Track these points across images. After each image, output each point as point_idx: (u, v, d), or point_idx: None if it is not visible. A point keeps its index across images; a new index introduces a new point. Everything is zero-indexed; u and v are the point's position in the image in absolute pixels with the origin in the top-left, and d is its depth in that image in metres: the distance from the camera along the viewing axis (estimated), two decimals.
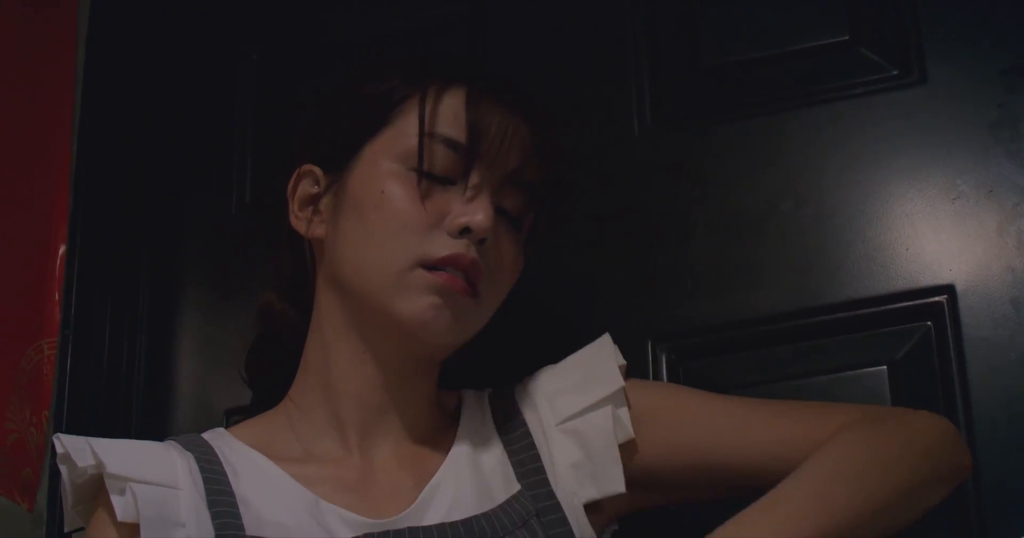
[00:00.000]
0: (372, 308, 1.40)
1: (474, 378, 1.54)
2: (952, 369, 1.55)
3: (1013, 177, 1.59)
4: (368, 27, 1.93)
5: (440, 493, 1.39)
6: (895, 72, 1.68)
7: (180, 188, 1.98)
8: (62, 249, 1.94)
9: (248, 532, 1.33)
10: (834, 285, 1.62)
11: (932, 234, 1.60)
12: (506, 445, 1.44)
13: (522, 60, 1.83)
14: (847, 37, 1.71)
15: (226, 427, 1.51)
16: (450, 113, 1.42)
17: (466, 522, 1.35)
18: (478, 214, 1.38)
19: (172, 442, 1.43)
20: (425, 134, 1.41)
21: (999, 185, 1.59)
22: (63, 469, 1.38)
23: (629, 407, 1.42)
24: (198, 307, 1.91)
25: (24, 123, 2.01)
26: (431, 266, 1.37)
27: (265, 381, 1.58)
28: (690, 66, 1.77)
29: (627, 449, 1.40)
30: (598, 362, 1.46)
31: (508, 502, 1.38)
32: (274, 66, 1.98)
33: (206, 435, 1.46)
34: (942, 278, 1.59)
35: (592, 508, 1.40)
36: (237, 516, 1.34)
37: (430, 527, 1.34)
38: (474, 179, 1.41)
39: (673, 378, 1.65)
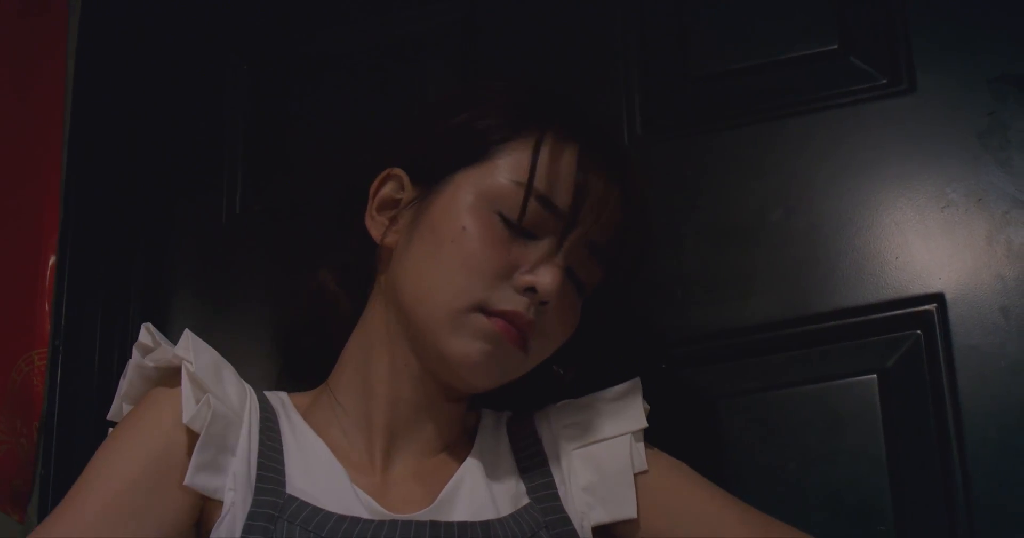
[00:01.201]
0: (422, 337, 1.41)
1: (494, 400, 1.55)
2: (942, 377, 1.55)
3: (1002, 185, 1.59)
4: (358, 38, 1.94)
5: (458, 496, 1.40)
6: (884, 81, 1.68)
7: (170, 198, 1.97)
8: (52, 259, 1.93)
9: (288, 490, 1.34)
10: (824, 294, 1.62)
11: (922, 243, 1.61)
12: (519, 463, 1.47)
13: (513, 69, 1.83)
14: (837, 46, 1.71)
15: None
16: (556, 172, 1.40)
17: (484, 524, 1.37)
18: (547, 278, 1.38)
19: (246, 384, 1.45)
20: (514, 179, 1.40)
21: (988, 194, 1.60)
22: (136, 354, 1.40)
23: (646, 472, 1.44)
24: (188, 317, 1.91)
25: (14, 132, 2.00)
26: (488, 313, 1.38)
27: (299, 360, 1.60)
28: (680, 75, 1.77)
29: (639, 486, 1.43)
30: (625, 401, 1.49)
31: (518, 512, 1.40)
32: (264, 76, 1.98)
33: (269, 394, 1.47)
34: (932, 287, 1.59)
35: (601, 532, 1.42)
36: (281, 472, 1.36)
37: (451, 523, 1.36)
38: (552, 234, 1.40)
39: (664, 387, 1.64)
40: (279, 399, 1.48)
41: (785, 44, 1.73)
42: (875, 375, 1.59)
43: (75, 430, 1.86)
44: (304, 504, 1.34)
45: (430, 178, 1.44)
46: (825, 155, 1.67)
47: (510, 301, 1.38)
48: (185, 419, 1.33)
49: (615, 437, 1.46)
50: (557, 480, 1.45)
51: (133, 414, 1.39)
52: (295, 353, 1.61)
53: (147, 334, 1.41)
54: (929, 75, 1.66)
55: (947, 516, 1.51)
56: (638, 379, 1.50)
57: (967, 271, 1.58)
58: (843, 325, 1.61)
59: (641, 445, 1.46)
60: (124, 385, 1.42)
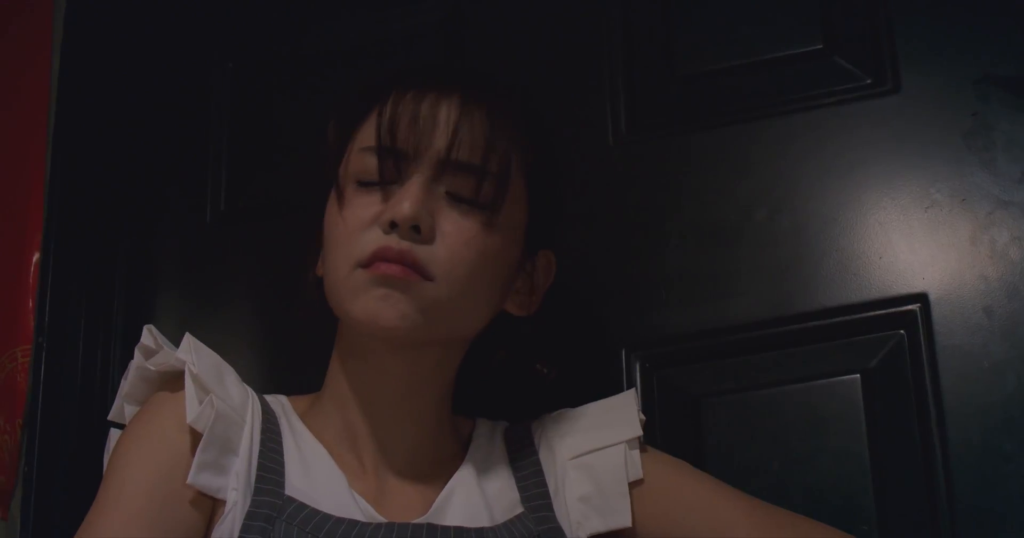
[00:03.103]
0: (341, 319, 1.43)
1: (490, 408, 1.56)
2: (925, 377, 1.55)
3: (986, 186, 1.59)
4: (344, 36, 1.93)
5: (451, 503, 1.41)
6: (869, 81, 1.68)
7: (155, 197, 1.97)
8: (36, 257, 1.93)
9: (287, 492, 1.35)
10: (808, 293, 1.62)
11: (905, 243, 1.61)
12: (515, 472, 1.47)
13: (498, 67, 1.82)
14: (821, 46, 1.71)
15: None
16: (370, 123, 1.43)
17: (479, 530, 1.37)
18: (399, 205, 1.37)
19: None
20: (350, 152, 1.44)
21: (972, 194, 1.60)
22: (138, 356, 1.41)
23: (643, 481, 1.45)
24: (172, 315, 1.91)
25: None
26: (365, 264, 1.37)
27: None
28: (665, 75, 1.77)
29: (636, 495, 1.44)
30: (619, 411, 1.50)
31: (511, 521, 1.41)
32: (250, 76, 1.98)
33: (268, 398, 1.48)
34: (915, 287, 1.59)
35: None
36: (280, 474, 1.37)
37: (448, 528, 1.36)
38: (409, 172, 1.40)
39: (647, 387, 1.65)
40: (279, 402, 1.48)
41: (770, 44, 1.73)
42: (858, 375, 1.59)
43: (59, 427, 1.86)
44: (302, 505, 1.34)
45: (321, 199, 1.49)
46: (809, 155, 1.67)
47: (375, 241, 1.37)
48: (189, 419, 1.34)
49: (609, 446, 1.46)
50: (551, 490, 1.45)
51: (138, 421, 1.40)
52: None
53: (149, 336, 1.42)
54: (913, 76, 1.66)
55: (930, 516, 1.51)
56: (633, 390, 1.52)
57: (951, 271, 1.58)
58: (826, 325, 1.61)
59: (636, 453, 1.46)
60: (125, 386, 1.43)
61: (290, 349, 1.80)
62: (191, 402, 1.35)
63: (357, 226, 1.39)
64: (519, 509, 1.43)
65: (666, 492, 1.45)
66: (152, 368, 1.41)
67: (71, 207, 1.95)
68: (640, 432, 1.47)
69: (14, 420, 1.88)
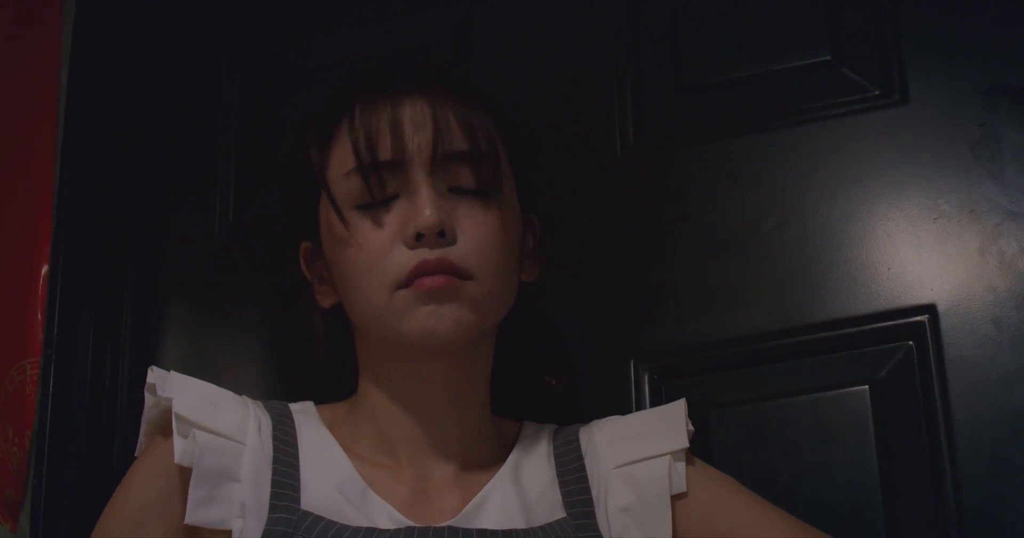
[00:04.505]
0: (387, 344, 1.43)
1: (537, 411, 1.57)
2: (934, 389, 1.55)
3: (995, 197, 1.59)
4: (352, 46, 1.93)
5: (486, 505, 1.41)
6: (877, 92, 1.68)
7: (163, 207, 1.97)
8: (45, 268, 1.93)
9: (303, 505, 1.35)
10: (816, 304, 1.62)
11: (914, 254, 1.61)
12: (559, 477, 1.46)
13: (506, 79, 1.83)
14: (829, 57, 1.71)
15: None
16: (342, 145, 1.43)
17: (507, 532, 1.37)
18: (419, 215, 1.38)
19: (258, 402, 1.47)
20: (332, 179, 1.43)
21: (980, 205, 1.60)
22: (147, 398, 1.41)
23: (686, 494, 1.43)
24: (181, 326, 1.91)
25: (6, 142, 2.01)
26: (405, 284, 1.38)
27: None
28: (673, 86, 1.77)
29: (678, 508, 1.43)
30: (668, 420, 1.48)
31: (550, 525, 1.40)
32: (258, 86, 1.98)
33: (294, 406, 1.49)
34: (924, 298, 1.59)
35: None
36: (296, 489, 1.37)
37: (470, 530, 1.36)
38: (406, 180, 1.41)
39: (655, 398, 1.64)
40: (304, 410, 1.49)
41: (777, 55, 1.73)
42: (867, 386, 1.59)
43: (68, 440, 1.86)
44: (319, 518, 1.35)
45: (311, 229, 1.49)
46: (817, 166, 1.67)
47: (408, 260, 1.38)
48: (176, 459, 1.35)
49: (654, 457, 1.45)
50: (595, 497, 1.44)
51: (133, 465, 1.43)
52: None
53: (151, 375, 1.42)
54: (921, 86, 1.66)
55: (939, 527, 1.51)
56: (683, 400, 1.50)
57: (959, 282, 1.58)
58: (835, 336, 1.61)
59: (682, 466, 1.44)
60: (143, 424, 1.44)
61: (299, 359, 1.80)
62: (178, 441, 1.37)
63: (379, 249, 1.39)
64: (561, 514, 1.42)
65: (710, 508, 1.44)
66: (154, 411, 1.42)
67: (79, 219, 1.95)
68: (687, 444, 1.45)
69: (23, 432, 1.88)
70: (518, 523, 1.39)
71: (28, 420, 1.88)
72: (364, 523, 1.35)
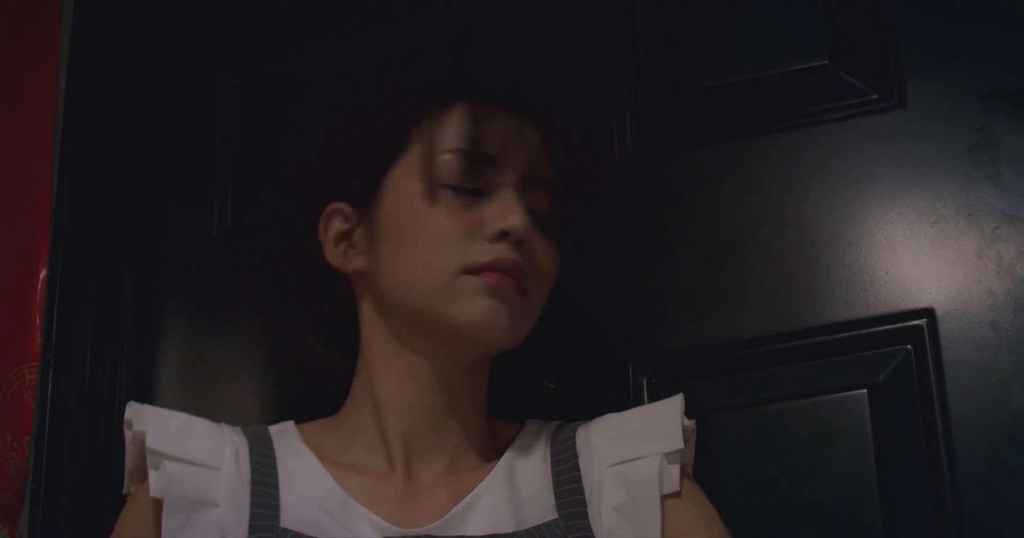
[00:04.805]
0: (426, 323, 1.43)
1: (540, 409, 1.57)
2: (932, 393, 1.55)
3: (993, 201, 1.59)
4: (349, 53, 1.94)
5: (476, 507, 1.41)
6: (875, 96, 1.68)
7: (162, 212, 1.97)
8: (43, 273, 1.93)
9: (282, 524, 1.36)
10: (814, 309, 1.62)
11: (912, 258, 1.61)
12: (553, 477, 1.46)
13: (504, 84, 1.83)
14: (827, 61, 1.71)
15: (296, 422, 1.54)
16: (457, 127, 1.45)
17: (491, 537, 1.37)
18: (512, 216, 1.41)
19: (236, 428, 1.48)
20: (437, 151, 1.44)
21: (979, 209, 1.60)
22: (126, 433, 1.43)
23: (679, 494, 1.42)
24: (179, 331, 1.91)
25: (4, 146, 2.01)
26: (476, 271, 1.40)
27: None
28: (671, 90, 1.77)
29: (668, 507, 1.41)
30: (663, 419, 1.47)
31: (539, 527, 1.40)
32: (256, 91, 1.98)
33: (274, 427, 1.50)
34: (922, 302, 1.59)
35: None
36: (276, 507, 1.38)
37: None
38: (498, 183, 1.44)
39: (653, 402, 1.64)
40: (282, 430, 1.50)
41: (775, 59, 1.73)
42: (865, 390, 1.59)
43: (66, 444, 1.86)
44: (298, 535, 1.36)
45: (367, 193, 1.48)
46: (815, 170, 1.67)
47: (489, 251, 1.41)
48: (151, 492, 1.37)
49: (647, 457, 1.44)
50: (588, 496, 1.44)
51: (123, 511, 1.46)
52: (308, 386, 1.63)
53: (128, 411, 1.44)
54: (919, 90, 1.66)
55: (937, 531, 1.51)
56: (680, 396, 1.48)
57: (957, 286, 1.58)
58: (833, 340, 1.61)
59: (676, 467, 1.43)
60: (126, 461, 1.46)
61: (296, 365, 1.80)
62: (152, 475, 1.39)
63: (460, 231, 1.41)
64: (552, 515, 1.42)
65: (686, 521, 1.42)
66: (131, 447, 1.44)
67: (78, 223, 1.95)
68: (681, 445, 1.43)
69: (21, 437, 1.88)
70: (506, 526, 1.39)
71: (27, 425, 1.88)
72: (345, 535, 1.36)
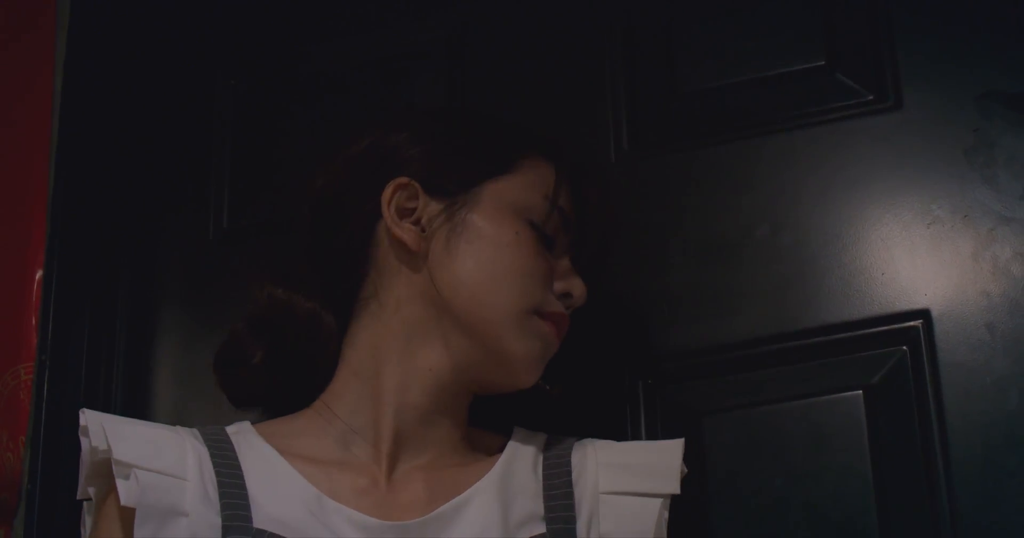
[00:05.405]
0: (483, 338, 1.46)
1: (532, 417, 1.58)
2: (928, 394, 1.55)
3: (988, 202, 1.59)
4: (347, 55, 1.94)
5: (466, 509, 1.41)
6: (871, 97, 1.68)
7: (158, 214, 1.97)
8: (39, 274, 1.93)
9: (255, 524, 1.36)
10: (810, 310, 1.62)
11: (908, 259, 1.61)
12: (545, 490, 1.47)
13: (500, 86, 1.84)
14: (823, 63, 1.71)
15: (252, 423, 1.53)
16: (568, 190, 1.53)
17: None
18: (580, 287, 1.52)
19: (193, 431, 1.46)
20: (546, 193, 1.51)
21: (974, 210, 1.60)
22: (83, 442, 1.42)
23: None
24: (175, 332, 1.91)
25: (1, 148, 2.01)
26: (543, 316, 1.48)
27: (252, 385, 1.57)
28: (667, 91, 1.77)
29: None
30: (664, 459, 1.48)
31: None
32: (253, 94, 1.98)
33: (230, 428, 1.49)
34: (918, 303, 1.59)
35: None
36: (246, 508, 1.38)
37: None
38: (562, 236, 1.52)
39: (649, 404, 1.65)
40: (239, 431, 1.49)
41: (772, 61, 1.73)
42: (861, 391, 1.59)
43: (61, 445, 1.86)
44: (273, 535, 1.36)
45: (454, 189, 1.49)
46: (811, 171, 1.67)
47: (556, 304, 1.49)
48: (123, 502, 1.36)
49: (648, 496, 1.45)
50: (578, 515, 1.44)
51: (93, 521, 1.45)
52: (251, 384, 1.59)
53: (83, 418, 1.43)
54: (915, 92, 1.66)
55: (932, 532, 1.51)
56: (682, 440, 1.50)
57: (953, 288, 1.58)
58: (829, 341, 1.61)
59: (666, 512, 1.45)
60: (82, 470, 1.44)
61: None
62: (120, 485, 1.37)
63: (542, 274, 1.48)
64: (540, 529, 1.42)
65: None
66: (87, 459, 1.42)
67: (74, 224, 1.95)
68: (678, 490, 1.45)
69: (17, 437, 1.88)
70: (494, 530, 1.39)
71: (22, 425, 1.88)
72: (324, 533, 1.37)
